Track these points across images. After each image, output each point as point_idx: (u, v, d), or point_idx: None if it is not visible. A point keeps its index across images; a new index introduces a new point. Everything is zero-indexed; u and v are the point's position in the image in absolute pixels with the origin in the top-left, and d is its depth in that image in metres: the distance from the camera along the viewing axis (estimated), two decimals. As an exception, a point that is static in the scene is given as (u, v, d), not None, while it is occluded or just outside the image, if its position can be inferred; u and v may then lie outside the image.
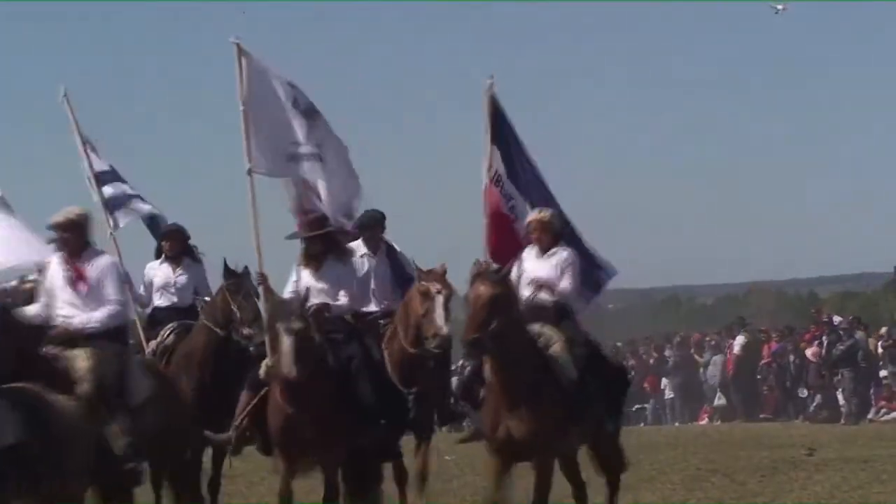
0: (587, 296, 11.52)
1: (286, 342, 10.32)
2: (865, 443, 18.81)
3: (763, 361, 26.73)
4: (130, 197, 13.62)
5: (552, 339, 10.45)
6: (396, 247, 12.29)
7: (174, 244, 12.81)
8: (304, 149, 11.77)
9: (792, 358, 26.03)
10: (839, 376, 24.56)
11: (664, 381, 28.43)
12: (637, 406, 29.18)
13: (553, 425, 10.18)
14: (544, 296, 10.69)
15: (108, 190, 13.53)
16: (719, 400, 27.35)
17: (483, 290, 10.06)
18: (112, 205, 13.47)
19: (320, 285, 11.09)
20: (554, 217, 10.96)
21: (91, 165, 13.51)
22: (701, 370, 27.82)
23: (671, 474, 15.48)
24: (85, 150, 13.54)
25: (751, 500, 13.38)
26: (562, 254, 10.79)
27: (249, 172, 11.61)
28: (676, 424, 27.17)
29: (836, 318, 26.66)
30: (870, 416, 24.33)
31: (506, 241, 11.51)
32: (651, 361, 29.48)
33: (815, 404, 25.13)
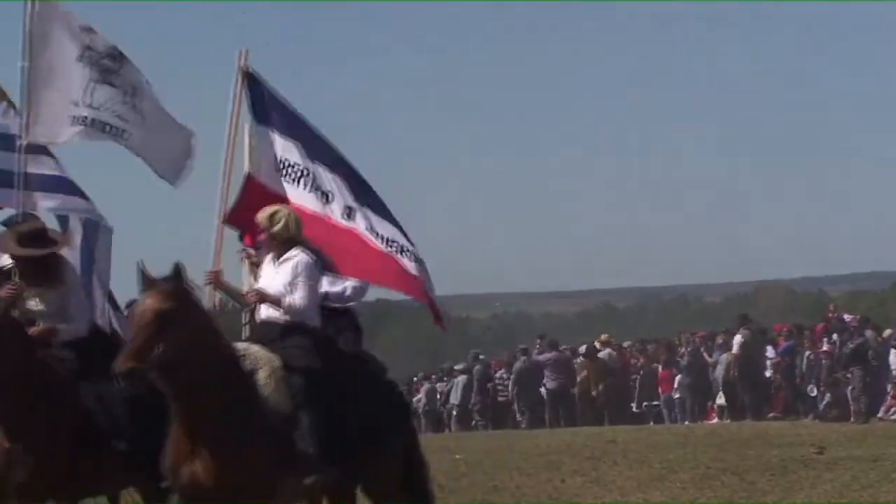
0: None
1: None
2: (875, 441, 18.80)
3: (770, 360, 26.71)
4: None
5: (259, 364, 8.70)
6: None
7: None
8: (89, 111, 10.17)
9: (807, 355, 26.01)
10: (850, 375, 24.53)
11: (676, 379, 28.40)
12: (646, 403, 29.24)
13: (250, 471, 8.34)
14: (270, 311, 9.11)
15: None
16: (720, 399, 27.34)
17: (148, 304, 8.21)
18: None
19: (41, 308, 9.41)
20: (278, 215, 9.26)
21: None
22: (710, 369, 27.80)
23: (681, 473, 15.49)
24: None
25: (760, 499, 13.38)
26: (294, 260, 9.14)
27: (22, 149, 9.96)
28: (686, 423, 27.16)
29: (847, 317, 26.63)
30: (879, 414, 24.31)
31: (336, 247, 9.88)
32: (661, 361, 29.47)
33: (824, 403, 25.11)
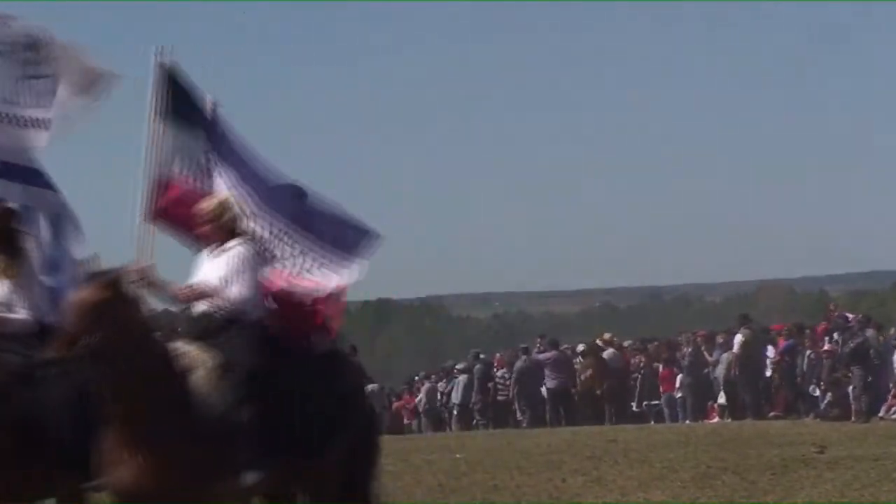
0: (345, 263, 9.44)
1: None
2: (876, 441, 18.80)
3: (771, 359, 26.71)
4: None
5: (195, 363, 8.39)
6: None
7: None
8: None
9: (808, 354, 26.00)
10: (850, 374, 24.52)
11: (678, 379, 28.41)
12: (646, 403, 29.24)
13: (185, 473, 8.08)
14: (205, 305, 8.77)
15: None
16: (722, 399, 27.34)
17: (82, 295, 8.05)
18: None
19: None
20: (226, 204, 9.10)
21: None
22: (710, 369, 27.79)
23: (681, 472, 15.48)
24: None
25: (761, 498, 13.38)
26: (232, 251, 8.86)
27: None
28: (687, 422, 27.16)
29: (849, 316, 26.62)
30: (880, 414, 24.30)
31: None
32: (661, 361, 29.46)
33: (825, 402, 25.10)
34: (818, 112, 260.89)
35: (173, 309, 9.53)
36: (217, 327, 8.68)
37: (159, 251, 9.65)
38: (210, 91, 10.15)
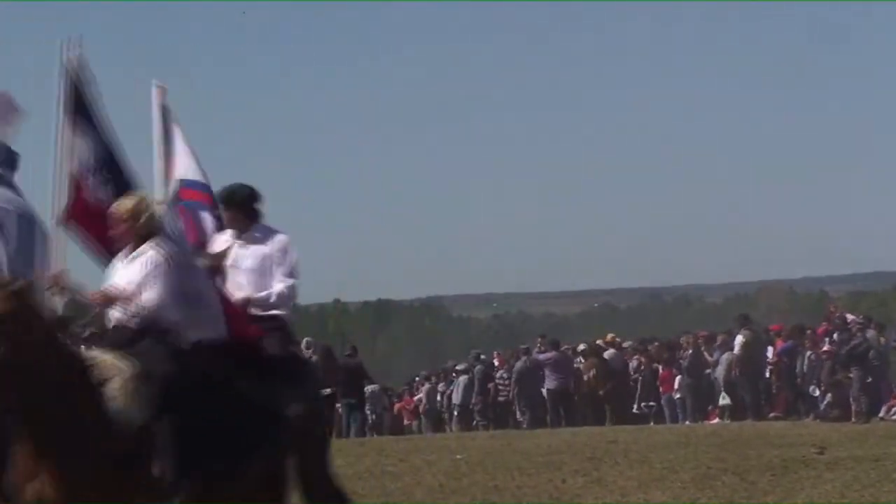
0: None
1: None
2: (876, 442, 18.79)
3: (770, 360, 26.72)
4: None
5: (109, 373, 7.95)
6: None
7: None
8: None
9: (808, 355, 26.00)
10: (851, 375, 24.52)
11: (677, 380, 28.40)
12: (644, 404, 29.24)
13: (99, 490, 7.68)
14: (119, 311, 8.45)
15: None
16: (724, 400, 27.34)
17: None
18: None
19: None
20: (142, 205, 8.73)
21: None
22: (710, 370, 27.79)
23: (681, 473, 15.47)
24: None
25: (761, 499, 13.38)
26: (145, 256, 8.53)
27: None
28: (687, 423, 27.16)
29: (850, 317, 26.61)
30: (880, 414, 24.30)
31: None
32: (661, 362, 29.47)
33: (825, 403, 25.10)
34: (818, 112, 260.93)
35: (87, 315, 9.07)
36: (131, 336, 8.34)
37: (72, 254, 9.45)
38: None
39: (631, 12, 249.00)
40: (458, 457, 18.49)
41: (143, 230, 8.57)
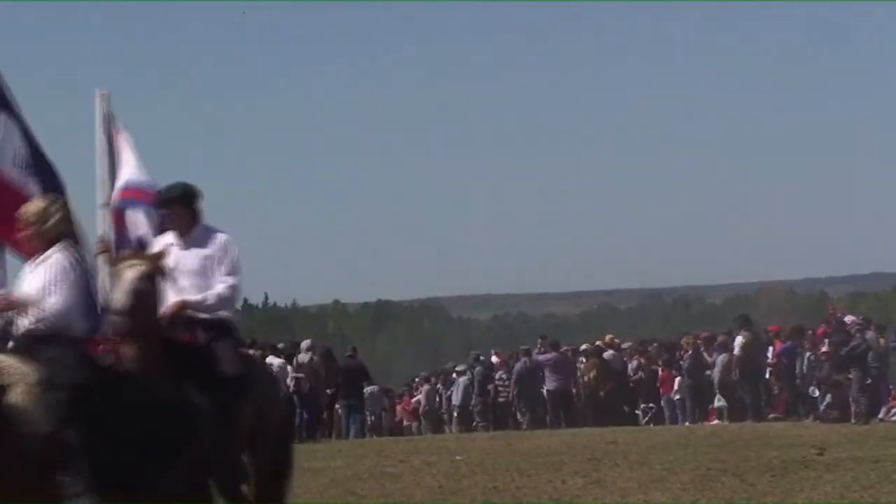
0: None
1: None
2: (876, 443, 18.79)
3: (769, 361, 26.72)
4: None
5: (14, 379, 7.70)
6: None
7: None
8: None
9: (807, 356, 26.00)
10: (850, 376, 24.51)
11: (677, 381, 28.40)
12: (643, 405, 29.24)
13: (5, 497, 7.49)
14: (24, 316, 8.15)
15: None
16: (719, 402, 27.34)
17: None
18: None
19: None
20: (50, 209, 8.45)
21: None
22: (710, 371, 27.79)
23: (681, 474, 15.47)
24: None
25: (761, 500, 13.37)
26: (50, 260, 8.29)
27: None
28: (687, 424, 27.15)
29: (849, 318, 26.60)
30: (880, 415, 24.31)
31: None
32: (660, 363, 29.47)
33: (825, 404, 25.10)
34: (818, 112, 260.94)
35: None
36: (35, 342, 8.05)
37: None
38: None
39: (631, 12, 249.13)
40: (458, 458, 18.48)
41: (50, 234, 8.31)
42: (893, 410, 24.47)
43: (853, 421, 23.77)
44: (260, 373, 9.74)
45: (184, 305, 9.10)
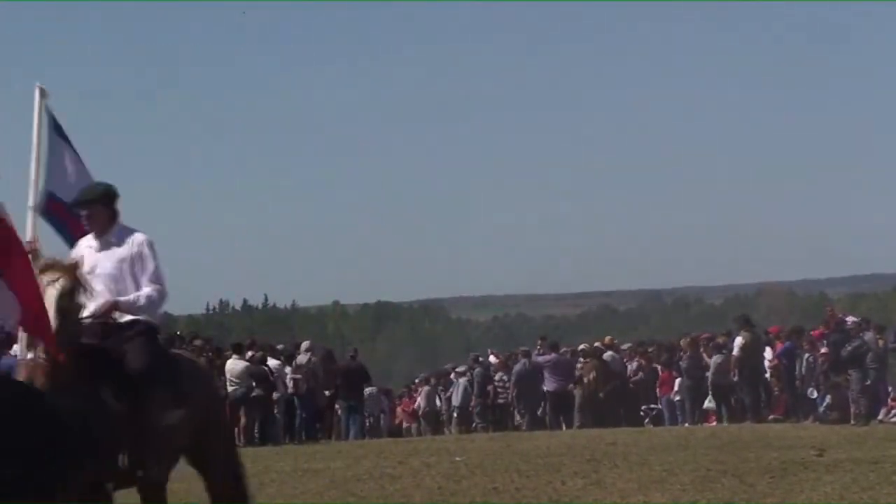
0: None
1: None
2: (875, 444, 18.79)
3: (769, 362, 26.71)
4: None
5: None
6: None
7: None
8: None
9: (806, 357, 26.00)
10: (849, 377, 24.51)
11: (677, 382, 28.41)
12: (644, 407, 29.25)
13: None
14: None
15: None
16: (709, 403, 27.34)
17: None
18: None
19: None
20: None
21: None
22: (709, 372, 27.79)
23: (681, 475, 15.47)
24: None
25: (760, 501, 13.38)
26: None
27: None
28: (686, 425, 27.16)
29: (850, 318, 26.61)
30: (879, 417, 24.31)
31: None
32: (660, 363, 29.48)
33: (824, 405, 25.11)
34: (818, 112, 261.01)
35: None
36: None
37: None
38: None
39: (631, 12, 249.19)
40: (458, 459, 18.49)
41: None
42: (893, 412, 24.49)
43: (853, 422, 23.78)
44: (187, 370, 9.51)
45: (115, 306, 9.13)
